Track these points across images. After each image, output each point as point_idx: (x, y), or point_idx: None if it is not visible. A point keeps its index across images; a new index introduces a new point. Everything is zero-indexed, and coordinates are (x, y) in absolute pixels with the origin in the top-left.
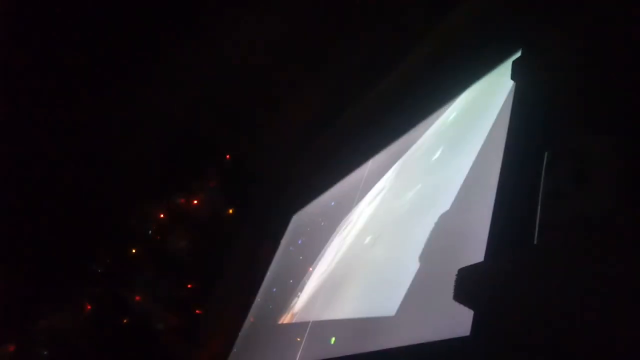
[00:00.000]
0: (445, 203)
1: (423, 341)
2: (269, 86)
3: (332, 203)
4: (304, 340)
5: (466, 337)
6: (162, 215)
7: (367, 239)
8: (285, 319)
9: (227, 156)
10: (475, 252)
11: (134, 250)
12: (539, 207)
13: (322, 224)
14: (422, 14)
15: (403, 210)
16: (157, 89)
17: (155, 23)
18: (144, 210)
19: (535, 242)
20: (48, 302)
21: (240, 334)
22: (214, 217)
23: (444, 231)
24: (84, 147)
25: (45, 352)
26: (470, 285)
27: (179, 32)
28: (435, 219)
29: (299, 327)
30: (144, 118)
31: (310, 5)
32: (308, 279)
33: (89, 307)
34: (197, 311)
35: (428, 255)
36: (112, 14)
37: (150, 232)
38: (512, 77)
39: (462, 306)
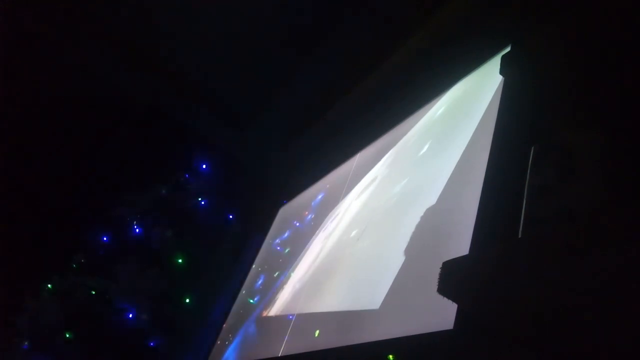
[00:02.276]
0: (431, 197)
1: (407, 334)
2: (257, 77)
3: (320, 196)
4: (288, 333)
5: (450, 330)
6: (147, 206)
7: (353, 233)
8: (270, 311)
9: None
10: (460, 246)
11: (117, 241)
12: (525, 201)
13: (309, 217)
14: (411, 8)
15: (389, 204)
16: (142, 77)
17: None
18: (128, 200)
19: (520, 235)
20: (29, 292)
21: (224, 326)
22: (200, 208)
23: (430, 225)
24: (66, 135)
25: (26, 343)
26: (454, 279)
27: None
28: (422, 213)
29: (283, 319)
30: (128, 107)
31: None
32: (294, 272)
33: (72, 297)
34: (181, 303)
35: (414, 249)
36: None
37: (135, 222)
38: (501, 72)
39: (446, 299)
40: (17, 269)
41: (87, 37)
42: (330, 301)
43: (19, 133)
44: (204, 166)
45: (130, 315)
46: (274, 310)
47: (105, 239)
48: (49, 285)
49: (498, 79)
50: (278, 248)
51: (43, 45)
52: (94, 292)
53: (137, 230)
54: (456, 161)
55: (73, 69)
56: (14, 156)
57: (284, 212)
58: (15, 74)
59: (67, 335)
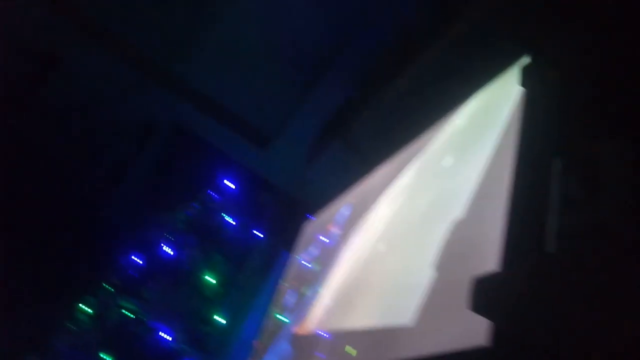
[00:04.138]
0: (457, 210)
1: (443, 351)
2: (280, 94)
3: (345, 211)
4: (322, 352)
5: (485, 347)
6: (176, 226)
7: (382, 247)
8: (302, 329)
9: None
10: (488, 260)
11: (149, 261)
12: (551, 214)
13: (336, 232)
14: (430, 19)
15: (416, 217)
16: (166, 97)
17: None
18: (158, 222)
19: (549, 250)
20: (65, 314)
21: (255, 344)
22: (228, 227)
23: (457, 238)
24: (95, 158)
25: None
26: (486, 296)
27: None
28: (448, 226)
29: (316, 338)
30: (156, 127)
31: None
32: (324, 288)
33: (106, 318)
34: (210, 321)
35: (442, 262)
36: None
37: (165, 243)
38: (522, 84)
39: (477, 315)
40: (51, 292)
41: (110, 56)
42: (363, 318)
43: (51, 157)
44: (231, 185)
45: (163, 335)
46: (307, 327)
47: (137, 260)
48: (84, 307)
49: (519, 90)
50: (306, 264)
51: (67, 62)
52: (127, 313)
53: (168, 250)
54: (481, 174)
55: (99, 91)
56: (45, 181)
57: (310, 228)
58: (39, 97)
59: (102, 356)
